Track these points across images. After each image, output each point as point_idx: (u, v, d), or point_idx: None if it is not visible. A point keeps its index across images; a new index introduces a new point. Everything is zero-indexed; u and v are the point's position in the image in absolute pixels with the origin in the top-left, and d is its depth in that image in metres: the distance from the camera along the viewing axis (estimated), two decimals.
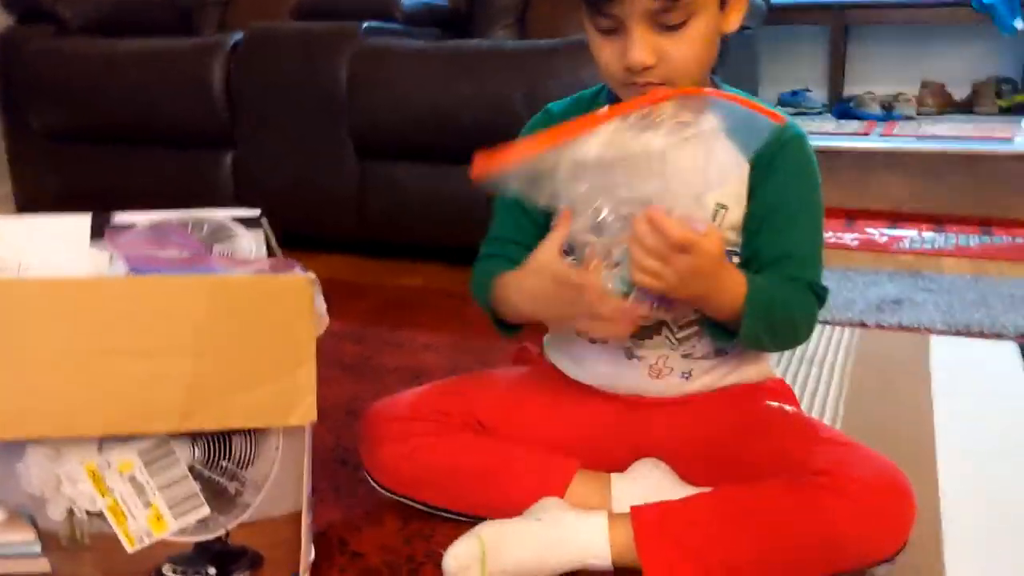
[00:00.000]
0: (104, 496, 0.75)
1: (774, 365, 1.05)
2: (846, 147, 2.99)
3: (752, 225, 0.96)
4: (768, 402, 1.01)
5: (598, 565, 0.89)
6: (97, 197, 2.27)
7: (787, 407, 1.00)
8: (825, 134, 3.27)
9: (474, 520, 0.93)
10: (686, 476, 0.97)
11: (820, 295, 0.97)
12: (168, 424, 0.74)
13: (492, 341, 1.14)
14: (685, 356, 0.99)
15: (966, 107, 3.81)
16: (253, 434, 0.78)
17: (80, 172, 2.52)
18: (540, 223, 1.01)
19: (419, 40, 2.18)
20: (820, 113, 3.86)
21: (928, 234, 2.52)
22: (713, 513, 0.88)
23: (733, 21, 0.94)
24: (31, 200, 2.62)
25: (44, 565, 0.76)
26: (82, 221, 0.83)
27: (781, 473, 0.89)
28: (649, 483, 0.96)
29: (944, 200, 2.77)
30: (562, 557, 0.89)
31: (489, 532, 0.88)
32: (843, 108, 3.74)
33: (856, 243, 2.44)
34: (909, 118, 3.62)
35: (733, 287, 0.90)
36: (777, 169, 0.95)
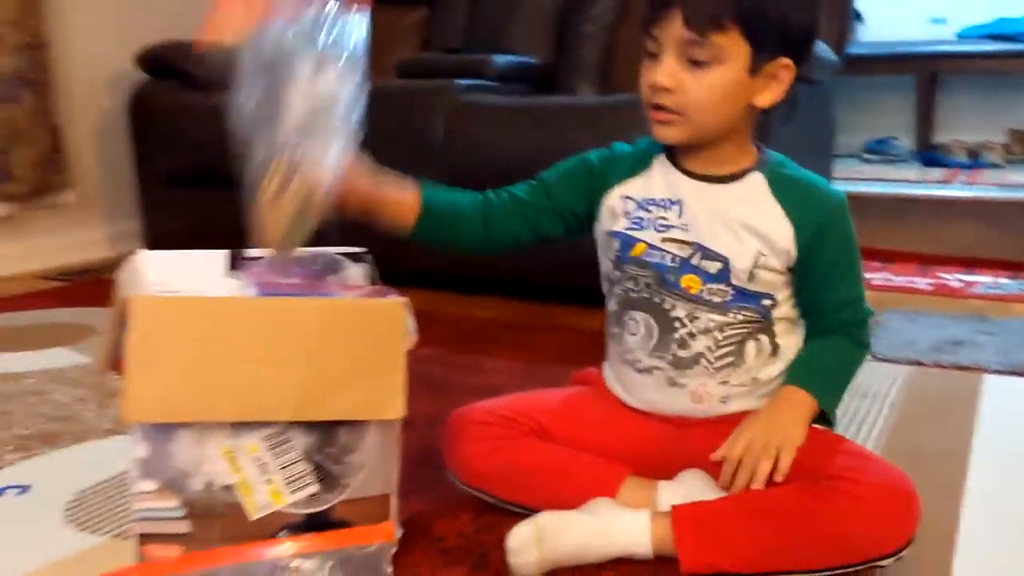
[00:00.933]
0: (235, 473, 0.93)
1: None
2: (925, 195, 3.06)
3: (811, 279, 1.11)
4: None
5: (640, 554, 1.03)
6: (215, 235, 2.51)
7: (816, 424, 1.13)
8: (907, 182, 3.34)
9: (535, 513, 1.07)
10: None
11: (866, 342, 1.16)
12: (286, 414, 0.92)
13: (557, 367, 1.30)
14: (722, 383, 1.12)
15: None
16: (355, 426, 0.96)
17: (200, 213, 2.77)
18: (563, 215, 1.18)
19: (508, 96, 2.38)
20: (906, 161, 3.91)
21: (1003, 280, 2.58)
22: (741, 511, 1.02)
23: (765, 97, 1.06)
24: (158, 238, 2.87)
25: (185, 527, 0.94)
26: (218, 255, 1.03)
27: (802, 479, 1.02)
28: (690, 488, 1.10)
29: (1021, 248, 2.82)
30: (609, 546, 1.03)
31: (546, 520, 1.03)
32: (930, 156, 3.80)
33: (930, 287, 2.51)
34: (996, 166, 3.66)
35: (803, 406, 1.09)
36: (827, 233, 1.09)
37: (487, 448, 1.16)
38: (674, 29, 1.02)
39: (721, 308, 1.10)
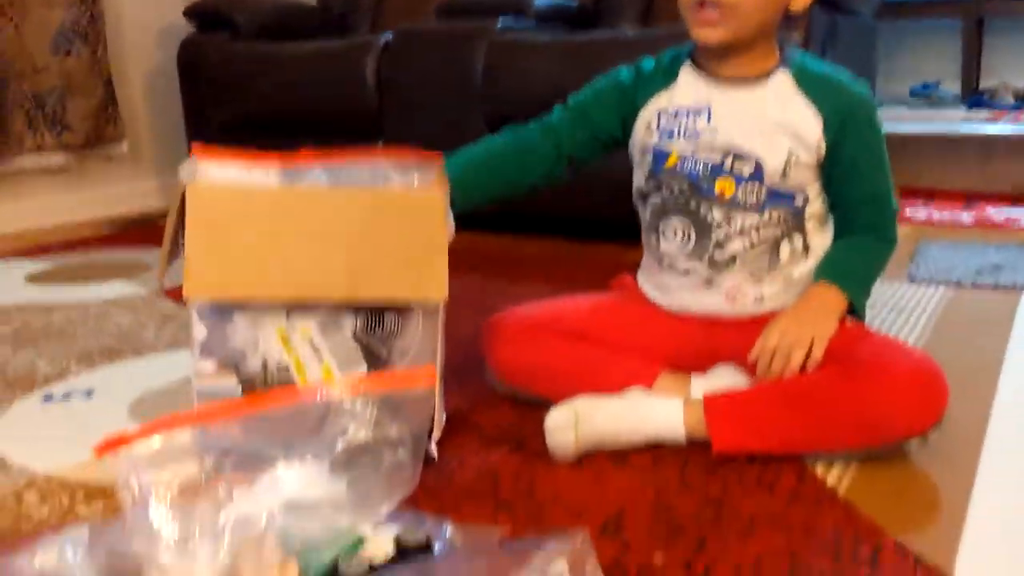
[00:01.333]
0: (289, 354, 0.99)
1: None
2: (970, 133, 3.03)
3: (836, 173, 1.13)
4: None
5: (673, 438, 1.07)
6: None
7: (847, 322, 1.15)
8: (952, 119, 3.30)
9: None
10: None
11: (892, 236, 1.19)
12: (337, 292, 0.97)
13: (597, 289, 1.34)
14: (756, 283, 1.15)
15: None
16: (401, 312, 1.01)
17: None
18: (600, 138, 1.22)
19: (546, 35, 2.40)
20: (951, 106, 3.85)
21: None
22: (771, 395, 1.06)
23: (800, 0, 1.10)
24: None
25: None
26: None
27: (836, 362, 1.05)
28: (723, 380, 1.14)
29: None
30: (643, 430, 1.08)
31: (583, 403, 1.08)
32: (977, 100, 3.74)
33: (971, 221, 2.51)
34: None
35: (833, 301, 1.11)
36: (851, 125, 1.12)
37: (524, 348, 1.20)
38: None
39: (756, 208, 1.13)
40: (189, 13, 2.93)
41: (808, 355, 1.07)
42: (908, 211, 2.63)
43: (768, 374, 1.08)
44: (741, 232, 1.14)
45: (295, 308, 0.98)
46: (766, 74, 1.13)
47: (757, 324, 1.14)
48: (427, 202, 1.00)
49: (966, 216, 2.56)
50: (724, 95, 1.14)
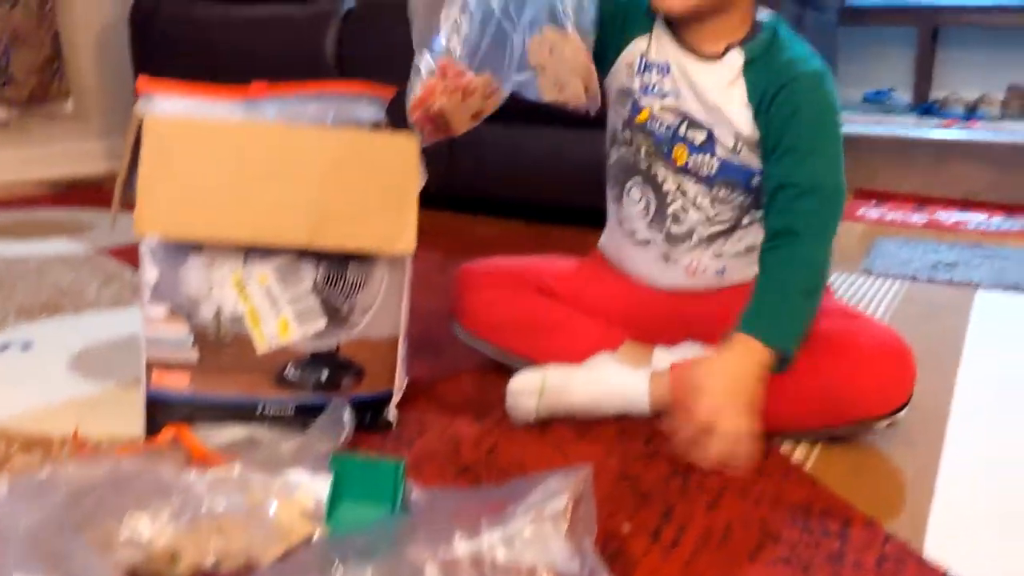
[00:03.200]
0: (244, 302, 0.94)
1: None
2: (924, 137, 3.07)
3: (771, 155, 1.05)
4: None
5: (638, 411, 1.05)
6: None
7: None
8: (905, 124, 3.34)
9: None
10: None
11: (833, 199, 1.04)
12: (298, 237, 0.92)
13: None
14: (717, 256, 1.12)
15: None
16: (364, 263, 0.96)
17: None
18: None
19: None
20: (903, 113, 3.91)
21: (996, 219, 2.60)
22: None
23: None
24: None
25: (193, 355, 0.95)
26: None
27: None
28: (686, 352, 1.11)
29: (1019, 190, 2.83)
30: (610, 404, 1.05)
31: (554, 374, 1.05)
32: (927, 108, 3.80)
33: (923, 222, 2.53)
34: (992, 119, 3.66)
35: (760, 360, 0.98)
36: (783, 102, 1.03)
37: (494, 298, 1.17)
38: None
39: (707, 181, 1.09)
40: None
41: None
42: (861, 210, 2.65)
43: (693, 456, 0.95)
44: (696, 206, 1.10)
45: (253, 252, 0.93)
46: (723, 52, 1.06)
47: (721, 295, 1.12)
48: (400, 147, 0.96)
49: (917, 218, 2.59)
50: (680, 63, 1.08)
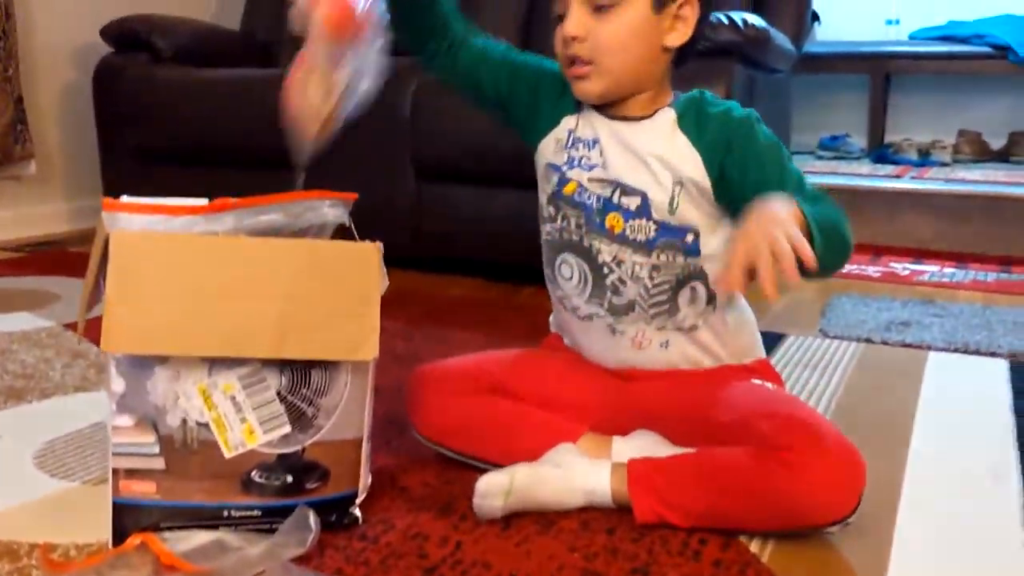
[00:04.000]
0: (210, 411, 0.96)
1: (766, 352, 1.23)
2: (877, 187, 3.14)
3: (736, 195, 1.08)
4: (753, 380, 1.17)
5: (601, 504, 1.07)
6: None
7: (768, 384, 1.17)
8: (859, 175, 3.42)
9: (494, 467, 1.10)
10: (675, 439, 1.13)
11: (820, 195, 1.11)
12: (262, 351, 0.94)
13: (523, 342, 1.34)
14: (660, 329, 1.15)
15: (1003, 156, 3.93)
16: (328, 368, 0.98)
17: (166, 188, 2.76)
18: (490, 93, 1.21)
19: None
20: (858, 158, 4.01)
21: (949, 270, 2.66)
22: (690, 470, 1.05)
23: (674, 37, 1.09)
24: None
25: (160, 463, 0.96)
26: (199, 202, 1.04)
27: (752, 441, 1.02)
28: (643, 443, 1.13)
29: (969, 240, 2.91)
30: (574, 499, 1.07)
31: (520, 474, 1.06)
32: (881, 154, 3.90)
33: (879, 275, 2.59)
34: (944, 165, 3.76)
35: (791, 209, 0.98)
36: (738, 149, 1.09)
37: (446, 404, 1.19)
38: None
39: (645, 247, 1.12)
40: (106, 33, 2.84)
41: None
42: None
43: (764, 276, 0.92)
44: (635, 277, 1.13)
45: (218, 362, 0.95)
46: (652, 113, 1.13)
47: (669, 378, 1.16)
48: (361, 254, 0.99)
49: (873, 270, 2.65)
50: (610, 129, 1.14)
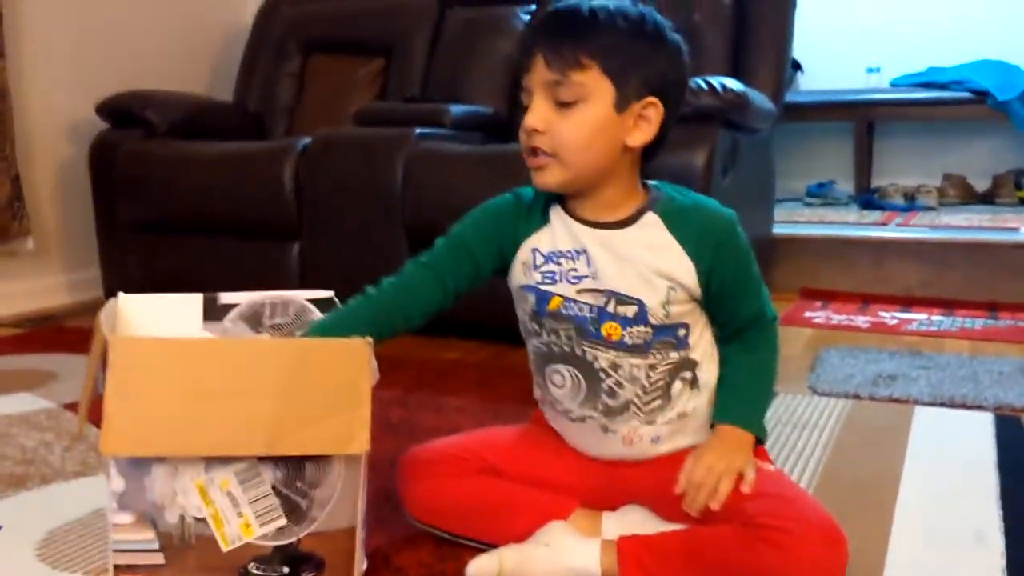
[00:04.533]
0: (208, 506, 0.99)
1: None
2: (864, 236, 3.19)
3: (721, 298, 1.14)
4: None
5: None
6: (177, 282, 2.55)
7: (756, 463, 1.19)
8: (846, 223, 3.48)
9: (488, 546, 1.13)
10: (664, 515, 1.15)
11: (775, 341, 1.22)
12: (257, 449, 0.97)
13: (515, 405, 1.36)
14: (650, 423, 1.16)
15: (987, 198, 3.99)
16: (321, 461, 1.01)
17: (162, 260, 2.81)
18: (483, 273, 1.19)
19: (464, 144, 2.47)
20: (846, 204, 4.07)
21: (937, 317, 2.70)
22: (679, 548, 1.07)
23: (636, 136, 1.08)
24: (117, 284, 2.90)
25: (159, 559, 0.99)
26: (195, 299, 1.09)
27: (737, 519, 1.05)
28: (632, 520, 1.16)
29: (956, 286, 2.95)
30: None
31: (510, 554, 1.09)
32: (868, 199, 3.95)
33: (867, 325, 2.63)
34: (930, 208, 3.82)
35: (743, 441, 1.14)
36: (724, 255, 1.12)
37: (437, 486, 1.21)
38: (539, 73, 1.07)
39: (642, 350, 1.13)
40: (101, 110, 2.91)
41: (739, 481, 1.08)
42: (808, 314, 2.75)
43: (695, 507, 1.08)
44: (632, 379, 1.14)
45: (214, 459, 0.98)
46: (634, 216, 1.13)
47: (657, 464, 1.17)
48: (351, 350, 1.02)
49: (862, 320, 2.68)
50: (596, 238, 1.13)
